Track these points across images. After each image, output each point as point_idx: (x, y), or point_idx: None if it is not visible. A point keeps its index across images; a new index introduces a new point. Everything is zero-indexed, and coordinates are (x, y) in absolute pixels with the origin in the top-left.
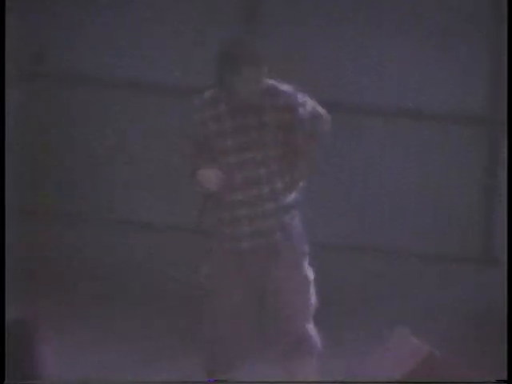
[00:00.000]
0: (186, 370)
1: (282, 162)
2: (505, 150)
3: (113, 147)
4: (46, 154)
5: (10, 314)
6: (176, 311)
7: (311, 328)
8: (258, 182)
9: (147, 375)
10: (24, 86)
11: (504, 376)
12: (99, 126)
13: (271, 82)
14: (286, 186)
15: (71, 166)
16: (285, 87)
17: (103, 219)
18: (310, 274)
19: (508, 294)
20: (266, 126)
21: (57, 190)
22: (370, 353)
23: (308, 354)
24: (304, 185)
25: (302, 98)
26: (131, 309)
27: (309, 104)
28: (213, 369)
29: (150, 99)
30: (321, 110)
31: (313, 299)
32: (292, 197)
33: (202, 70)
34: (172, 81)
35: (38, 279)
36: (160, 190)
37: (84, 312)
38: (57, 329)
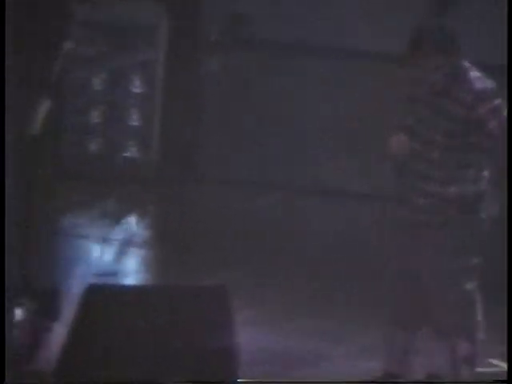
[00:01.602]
0: None
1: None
2: None
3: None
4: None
5: None
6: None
7: None
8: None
9: None
10: (221, 52)
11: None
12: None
13: (462, 64)
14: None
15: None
16: (476, 75)
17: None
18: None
19: (508, 294)
20: (446, 113)
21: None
22: None
23: None
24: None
25: (492, 99)
26: None
27: (503, 114)
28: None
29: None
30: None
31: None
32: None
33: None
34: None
35: None
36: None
37: None
38: None
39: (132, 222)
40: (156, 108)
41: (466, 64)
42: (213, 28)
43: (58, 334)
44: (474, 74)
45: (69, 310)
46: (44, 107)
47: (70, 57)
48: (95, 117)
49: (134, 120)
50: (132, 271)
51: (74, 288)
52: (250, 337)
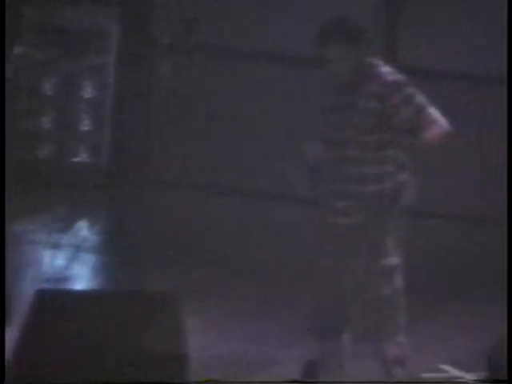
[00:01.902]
0: None
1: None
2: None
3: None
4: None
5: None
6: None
7: None
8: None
9: None
10: (172, 56)
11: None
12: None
13: (372, 61)
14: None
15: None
16: (387, 70)
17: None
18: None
19: (508, 294)
20: (359, 108)
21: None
22: None
23: None
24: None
25: (405, 88)
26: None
27: (415, 100)
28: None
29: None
30: (437, 116)
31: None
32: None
33: None
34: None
35: None
36: None
37: None
38: None
39: (83, 227)
40: (107, 113)
41: (377, 61)
42: (162, 32)
43: (9, 339)
44: (385, 68)
45: (19, 315)
46: None
47: (20, 61)
48: (45, 122)
49: (85, 125)
50: (83, 276)
51: (25, 293)
52: (200, 342)
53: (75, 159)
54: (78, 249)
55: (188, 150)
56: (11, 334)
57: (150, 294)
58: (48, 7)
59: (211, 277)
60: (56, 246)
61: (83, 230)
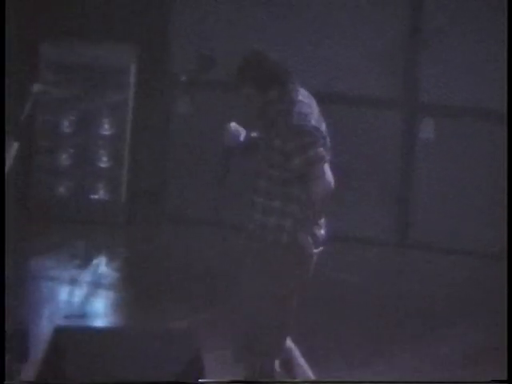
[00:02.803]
0: None
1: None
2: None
3: None
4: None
5: None
6: None
7: None
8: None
9: None
10: (190, 92)
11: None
12: None
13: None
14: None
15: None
16: (300, 116)
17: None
18: None
19: (508, 294)
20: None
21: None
22: None
23: None
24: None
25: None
26: None
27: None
28: None
29: None
30: (323, 175)
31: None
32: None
33: None
34: None
35: None
36: None
37: None
38: None
39: (101, 263)
40: (125, 149)
41: (293, 95)
42: (180, 69)
43: (26, 376)
44: (297, 108)
45: (37, 352)
46: (13, 149)
47: (39, 98)
48: (64, 159)
49: (103, 162)
50: (100, 313)
51: (43, 330)
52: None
53: (93, 196)
54: (95, 285)
55: (206, 187)
56: (28, 371)
57: (168, 331)
58: (66, 44)
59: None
60: (74, 283)
61: (101, 266)
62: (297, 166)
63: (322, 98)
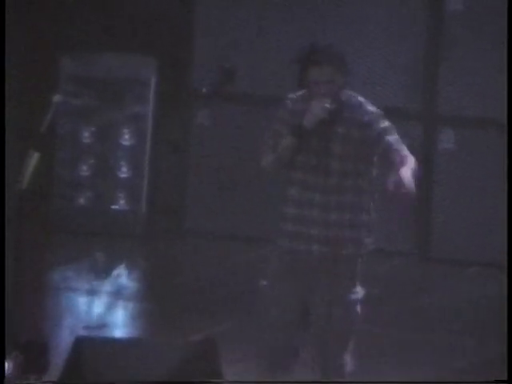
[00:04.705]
0: None
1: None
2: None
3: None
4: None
5: None
6: None
7: None
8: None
9: None
10: (210, 105)
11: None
12: None
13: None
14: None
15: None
16: (366, 101)
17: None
18: None
19: (508, 295)
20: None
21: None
22: None
23: None
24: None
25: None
26: None
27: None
28: None
29: None
30: (406, 151)
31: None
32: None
33: None
34: None
35: None
36: None
37: None
38: None
39: (121, 274)
40: (145, 161)
41: (351, 92)
42: (200, 81)
43: None
44: (361, 98)
45: (57, 364)
46: (33, 160)
47: (59, 110)
48: (84, 170)
49: (123, 172)
50: (121, 324)
51: (63, 341)
52: None
53: (113, 206)
54: (115, 296)
55: (225, 200)
56: (49, 382)
57: (189, 343)
58: (86, 56)
59: (247, 326)
60: (94, 294)
61: (121, 277)
62: (376, 134)
63: None
